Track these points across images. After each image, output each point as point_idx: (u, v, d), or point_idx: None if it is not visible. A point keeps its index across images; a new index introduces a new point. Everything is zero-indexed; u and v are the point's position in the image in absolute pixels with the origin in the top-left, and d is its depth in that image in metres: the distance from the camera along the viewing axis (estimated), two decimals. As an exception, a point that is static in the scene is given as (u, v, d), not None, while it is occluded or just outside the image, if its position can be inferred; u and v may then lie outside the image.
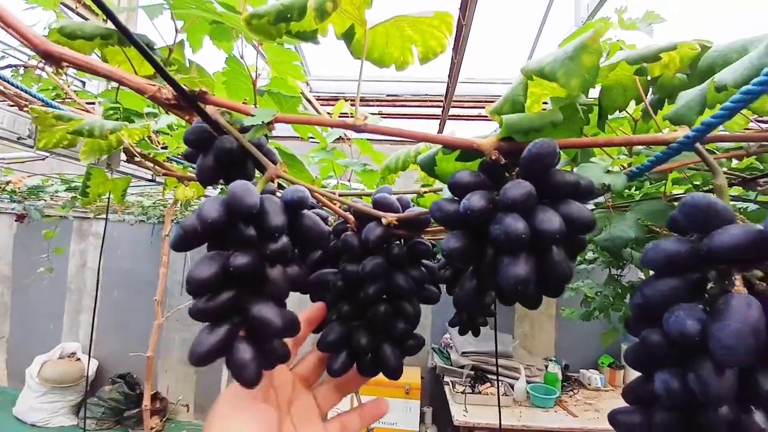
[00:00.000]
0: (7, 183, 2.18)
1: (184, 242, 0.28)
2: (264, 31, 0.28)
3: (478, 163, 0.29)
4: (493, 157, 0.28)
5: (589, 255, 2.35)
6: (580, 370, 3.58)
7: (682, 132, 0.25)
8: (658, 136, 0.27)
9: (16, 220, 3.93)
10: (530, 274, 0.24)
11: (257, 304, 0.27)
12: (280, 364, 0.29)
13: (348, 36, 0.34)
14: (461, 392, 3.08)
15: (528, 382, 3.17)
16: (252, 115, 0.30)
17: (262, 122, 0.30)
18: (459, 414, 2.85)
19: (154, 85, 0.30)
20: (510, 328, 4.00)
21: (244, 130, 0.36)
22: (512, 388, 3.17)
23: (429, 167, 0.32)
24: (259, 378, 0.27)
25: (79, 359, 3.86)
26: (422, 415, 3.61)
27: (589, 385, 3.40)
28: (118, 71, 0.30)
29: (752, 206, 0.75)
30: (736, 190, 0.87)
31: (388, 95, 3.22)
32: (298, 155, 0.55)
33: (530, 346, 3.97)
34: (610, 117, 0.45)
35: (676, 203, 0.82)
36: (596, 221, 0.28)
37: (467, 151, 0.29)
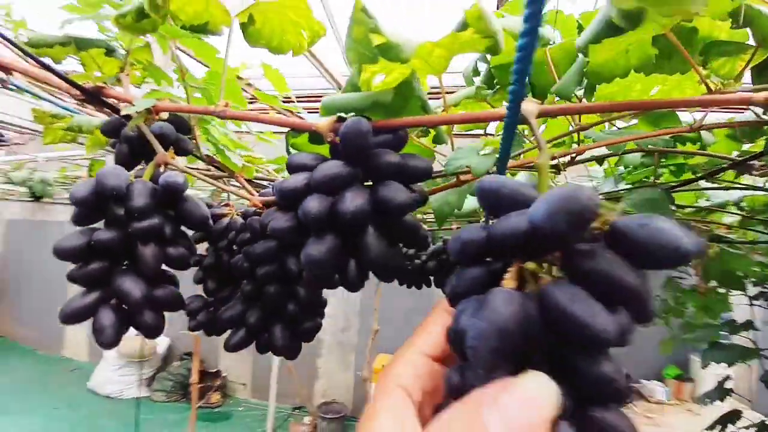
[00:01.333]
0: (76, 179, 2.50)
1: (79, 218, 0.32)
2: (132, 28, 0.31)
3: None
4: (329, 139, 0.28)
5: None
6: (641, 381, 3.26)
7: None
8: (493, 111, 0.25)
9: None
10: (325, 255, 0.24)
11: (121, 277, 0.30)
12: (148, 337, 0.32)
13: (245, 25, 0.36)
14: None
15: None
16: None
17: (140, 110, 0.33)
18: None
19: (77, 89, 0.35)
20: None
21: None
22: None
23: (287, 149, 0.33)
24: (115, 343, 0.30)
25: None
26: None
27: (651, 397, 3.09)
28: (42, 74, 0.35)
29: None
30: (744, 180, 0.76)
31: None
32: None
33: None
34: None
35: (676, 191, 0.72)
36: (415, 203, 0.26)
37: (313, 134, 0.29)
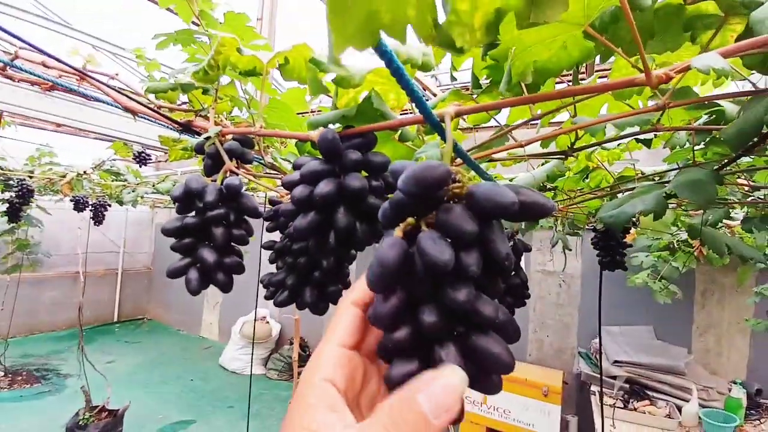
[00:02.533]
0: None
1: (179, 209, 0.48)
2: (203, 80, 0.46)
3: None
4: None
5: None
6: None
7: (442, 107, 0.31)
8: (416, 116, 0.32)
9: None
10: (306, 226, 0.34)
11: (202, 248, 0.45)
12: (222, 290, 0.47)
13: (281, 66, 0.49)
14: (610, 405, 2.74)
15: (702, 406, 2.58)
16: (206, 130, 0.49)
17: (212, 135, 0.48)
18: (605, 429, 2.55)
19: (174, 123, 0.52)
20: (687, 340, 3.29)
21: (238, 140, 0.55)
22: (679, 411, 2.64)
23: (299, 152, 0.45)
24: (198, 291, 0.45)
25: (268, 322, 4.98)
26: (565, 423, 3.34)
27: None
28: (154, 115, 0.52)
29: None
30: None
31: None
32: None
33: (714, 365, 3.18)
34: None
35: (726, 173, 0.64)
36: (375, 189, 0.35)
37: (312, 142, 0.40)
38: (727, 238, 0.68)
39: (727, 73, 0.25)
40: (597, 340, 3.41)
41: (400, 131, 0.41)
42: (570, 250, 2.33)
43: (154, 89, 0.62)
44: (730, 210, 0.83)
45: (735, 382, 2.71)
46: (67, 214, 3.48)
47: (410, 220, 0.27)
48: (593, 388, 3.01)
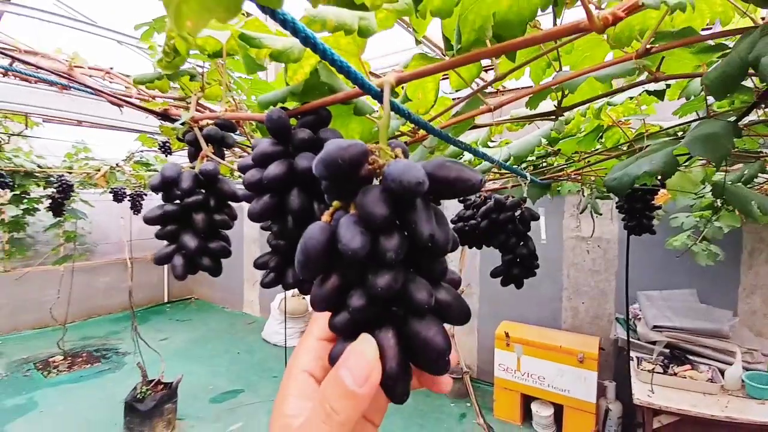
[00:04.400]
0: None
1: (164, 198, 0.49)
2: (170, 66, 0.46)
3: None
4: (275, 126, 0.37)
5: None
6: None
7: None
8: (355, 89, 0.30)
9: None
10: (259, 209, 0.34)
11: (184, 235, 0.46)
12: (211, 274, 0.48)
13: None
14: (649, 371, 2.67)
15: (745, 369, 2.47)
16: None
17: (183, 120, 0.48)
18: (642, 393, 2.51)
19: (151, 113, 0.52)
20: (733, 302, 3.11)
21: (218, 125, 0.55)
22: (722, 374, 2.54)
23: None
24: (184, 276, 0.46)
25: (304, 298, 5.17)
26: (603, 388, 3.29)
27: None
28: (134, 102, 0.53)
29: None
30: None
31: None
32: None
33: (760, 326, 3.01)
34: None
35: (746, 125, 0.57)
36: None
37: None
38: (754, 195, 0.62)
39: (682, 6, 0.21)
40: (634, 305, 3.30)
41: (354, 104, 0.39)
42: (600, 214, 2.22)
43: (140, 80, 0.62)
44: (766, 163, 0.75)
45: (785, 345, 2.56)
46: (112, 205, 3.70)
47: (336, 203, 0.26)
48: (631, 353, 2.93)
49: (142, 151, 2.46)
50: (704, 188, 2.22)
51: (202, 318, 6.31)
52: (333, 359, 0.25)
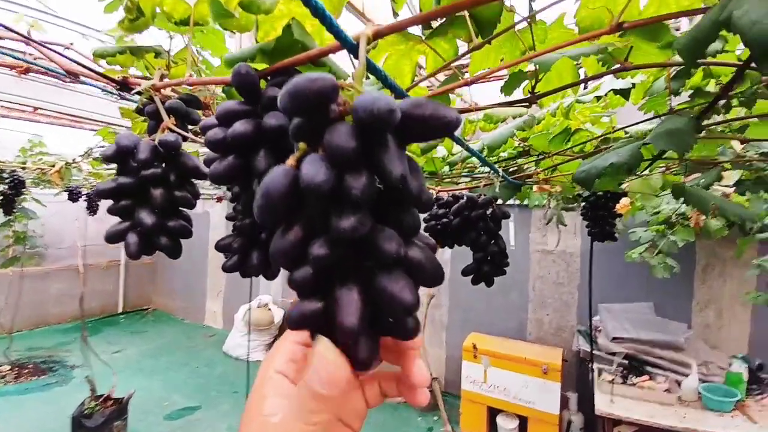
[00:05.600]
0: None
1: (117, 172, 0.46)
2: (131, 29, 0.43)
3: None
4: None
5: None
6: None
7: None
8: (332, 44, 0.29)
9: (216, 202, 5.17)
10: (223, 170, 0.32)
11: (140, 211, 0.43)
12: (170, 256, 0.45)
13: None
14: (609, 381, 2.75)
15: (702, 381, 2.58)
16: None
17: (144, 89, 0.45)
18: (603, 404, 2.57)
19: (109, 80, 0.49)
20: (687, 316, 3.27)
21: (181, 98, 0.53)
22: (679, 385, 2.64)
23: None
24: (138, 255, 0.42)
25: (269, 309, 5.01)
26: (565, 400, 3.35)
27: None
28: (92, 75, 0.50)
29: None
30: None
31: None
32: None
33: (714, 340, 3.17)
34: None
35: (708, 122, 0.61)
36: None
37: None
38: (714, 197, 0.65)
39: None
40: (595, 317, 3.40)
41: (329, 68, 0.38)
42: (565, 225, 2.30)
43: (101, 53, 0.59)
44: (723, 171, 0.79)
45: (736, 357, 2.70)
46: (66, 207, 3.48)
47: (302, 145, 0.24)
48: (593, 365, 3.01)
49: (102, 146, 2.33)
50: (660, 207, 2.35)
51: (160, 330, 5.99)
52: (291, 321, 0.24)
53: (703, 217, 1.80)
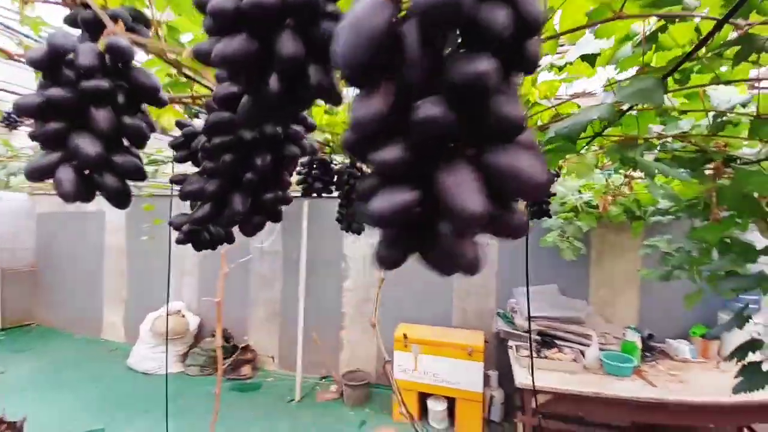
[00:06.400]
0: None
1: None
2: None
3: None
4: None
5: (665, 204, 2.06)
6: (667, 341, 3.21)
7: None
8: None
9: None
10: (235, 52, 0.25)
11: (77, 137, 0.32)
12: (117, 206, 0.34)
13: None
14: (526, 356, 2.98)
15: (602, 350, 2.94)
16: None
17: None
18: (522, 377, 2.77)
19: None
20: (585, 295, 3.72)
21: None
22: (583, 355, 2.97)
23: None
24: (72, 198, 0.32)
25: (183, 315, 4.54)
26: (487, 378, 3.58)
27: (676, 356, 3.04)
28: None
29: None
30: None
31: None
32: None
33: (609, 314, 3.65)
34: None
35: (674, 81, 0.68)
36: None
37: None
38: (657, 165, 0.73)
39: None
40: (511, 300, 3.70)
41: None
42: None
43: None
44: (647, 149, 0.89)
45: (629, 327, 3.13)
46: None
47: None
48: (510, 342, 3.26)
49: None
50: (566, 197, 2.63)
51: (48, 346, 5.08)
52: (378, 218, 0.17)
53: (611, 201, 2.05)
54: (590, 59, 0.64)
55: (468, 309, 4.01)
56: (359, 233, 1.31)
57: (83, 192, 0.33)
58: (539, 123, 0.87)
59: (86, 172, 0.33)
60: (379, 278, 2.77)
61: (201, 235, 0.59)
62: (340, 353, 4.34)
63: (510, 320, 3.50)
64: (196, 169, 0.57)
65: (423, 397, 3.55)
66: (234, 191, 0.37)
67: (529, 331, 2.79)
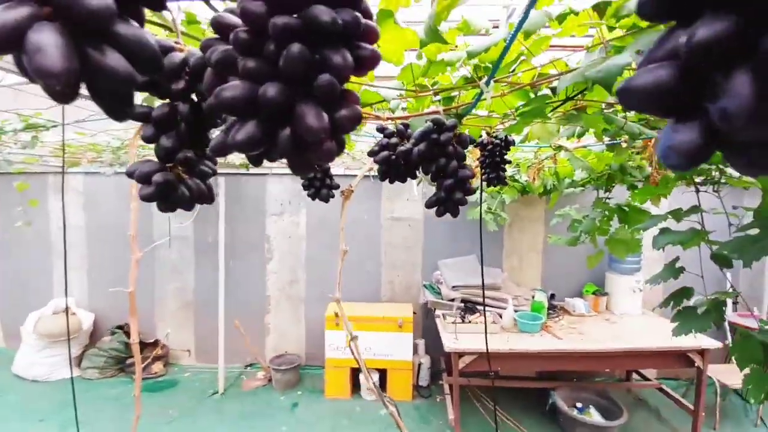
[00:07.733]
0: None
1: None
2: None
3: None
4: None
5: (579, 175, 2.30)
6: (566, 299, 3.67)
7: None
8: None
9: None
10: None
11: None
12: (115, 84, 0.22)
13: None
14: (452, 323, 3.15)
15: (516, 311, 3.25)
16: None
17: None
18: (450, 342, 2.92)
19: None
20: (499, 262, 4.06)
21: None
22: (501, 317, 3.25)
23: None
24: (62, 73, 0.20)
25: (74, 313, 3.88)
26: (415, 347, 3.73)
27: (574, 311, 3.50)
28: None
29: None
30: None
31: None
32: None
33: (518, 279, 4.05)
34: None
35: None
36: None
37: None
38: (623, 123, 0.77)
39: None
40: (436, 272, 3.89)
41: None
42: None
43: None
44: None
45: (537, 290, 3.50)
46: None
47: None
48: (438, 312, 3.44)
49: None
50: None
51: None
52: None
53: (540, 173, 2.22)
54: (600, 8, 0.63)
55: (396, 283, 4.11)
56: (327, 201, 1.22)
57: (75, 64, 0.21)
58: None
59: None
60: (342, 250, 2.68)
61: (178, 188, 0.47)
62: (266, 338, 4.14)
63: (437, 291, 3.68)
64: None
65: (355, 373, 3.58)
66: (303, 101, 0.27)
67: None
